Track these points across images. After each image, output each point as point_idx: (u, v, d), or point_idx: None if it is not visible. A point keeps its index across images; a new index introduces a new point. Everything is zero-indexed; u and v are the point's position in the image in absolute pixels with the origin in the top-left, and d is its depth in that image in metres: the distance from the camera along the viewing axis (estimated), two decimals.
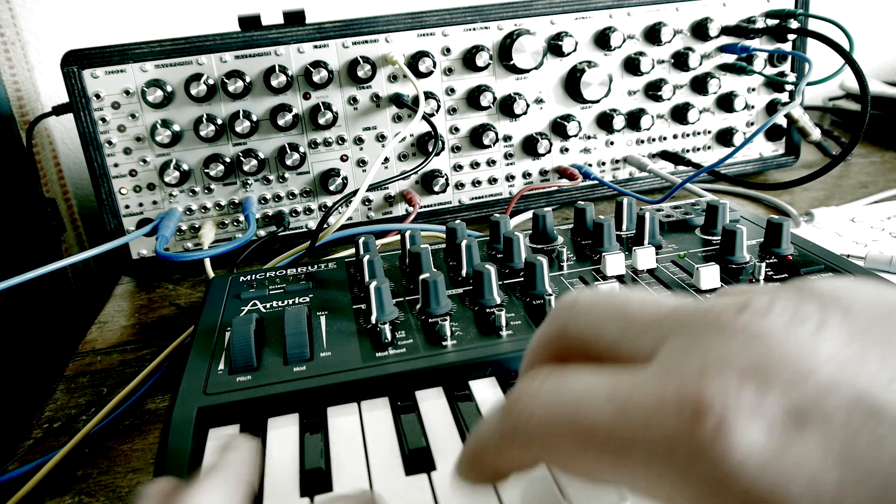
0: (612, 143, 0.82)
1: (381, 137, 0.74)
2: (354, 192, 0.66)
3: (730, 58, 0.82)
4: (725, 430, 0.18)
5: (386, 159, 0.75)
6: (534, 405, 0.23)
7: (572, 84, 0.76)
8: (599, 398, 0.21)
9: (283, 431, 0.37)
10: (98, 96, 0.66)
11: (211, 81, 0.67)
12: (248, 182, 0.72)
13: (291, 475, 0.34)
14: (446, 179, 0.77)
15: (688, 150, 0.85)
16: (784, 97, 0.86)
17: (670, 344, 0.21)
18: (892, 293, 0.21)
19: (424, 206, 0.78)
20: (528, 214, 0.76)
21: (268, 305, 0.49)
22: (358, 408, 0.39)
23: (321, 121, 0.70)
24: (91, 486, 0.41)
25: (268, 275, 0.54)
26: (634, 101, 0.81)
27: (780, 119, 0.85)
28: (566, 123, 0.77)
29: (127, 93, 0.67)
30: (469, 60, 0.73)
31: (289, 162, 0.71)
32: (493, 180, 0.79)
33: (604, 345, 0.24)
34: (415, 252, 0.50)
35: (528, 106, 0.75)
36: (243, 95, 0.68)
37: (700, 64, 0.80)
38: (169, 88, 0.67)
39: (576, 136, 0.78)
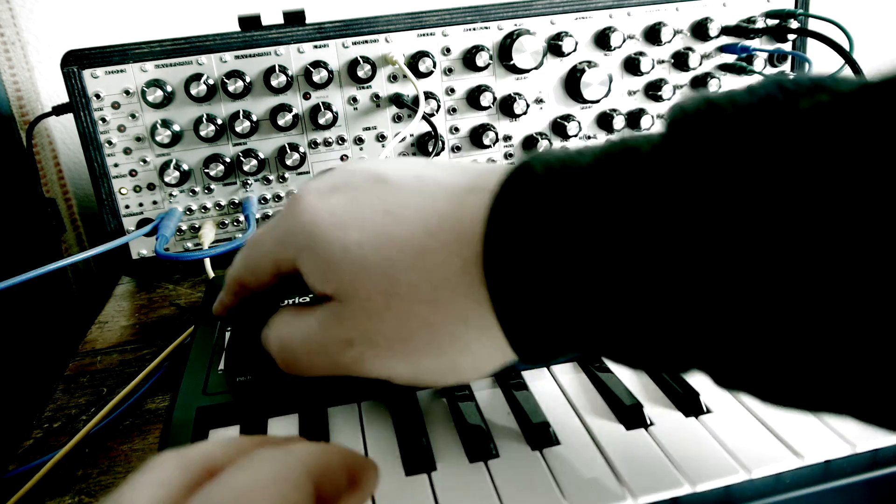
0: None
1: (381, 137, 0.74)
2: None
3: (730, 58, 0.82)
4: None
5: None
6: None
7: (572, 84, 0.76)
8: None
9: (284, 432, 0.37)
10: (98, 96, 0.66)
11: (211, 81, 0.67)
12: (248, 182, 0.72)
13: None
14: None
15: None
16: None
17: None
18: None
19: None
20: None
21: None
22: (358, 408, 0.39)
23: (321, 121, 0.70)
24: (91, 486, 0.41)
25: None
26: (634, 101, 0.81)
27: None
28: (566, 123, 0.77)
29: (127, 93, 0.67)
30: (469, 60, 0.73)
31: (289, 162, 0.70)
32: None
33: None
34: None
35: (528, 106, 0.75)
36: (243, 95, 0.68)
37: (700, 64, 0.79)
38: (169, 88, 0.67)
39: (576, 136, 0.78)
